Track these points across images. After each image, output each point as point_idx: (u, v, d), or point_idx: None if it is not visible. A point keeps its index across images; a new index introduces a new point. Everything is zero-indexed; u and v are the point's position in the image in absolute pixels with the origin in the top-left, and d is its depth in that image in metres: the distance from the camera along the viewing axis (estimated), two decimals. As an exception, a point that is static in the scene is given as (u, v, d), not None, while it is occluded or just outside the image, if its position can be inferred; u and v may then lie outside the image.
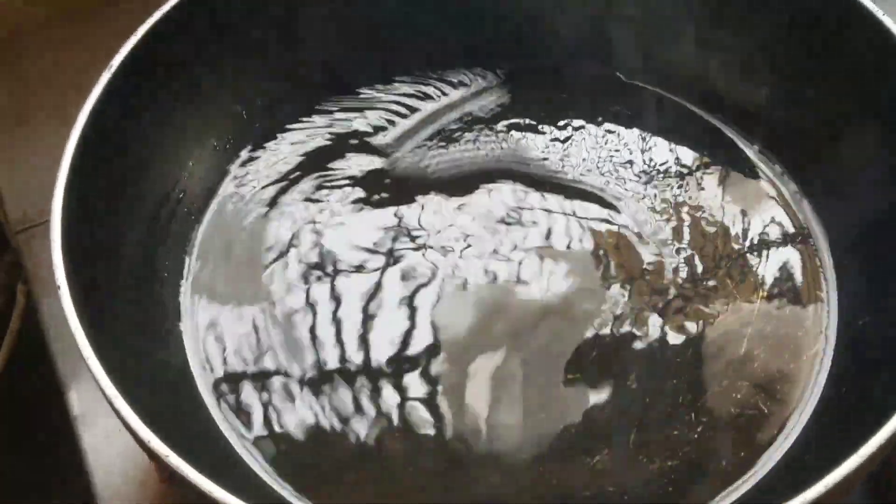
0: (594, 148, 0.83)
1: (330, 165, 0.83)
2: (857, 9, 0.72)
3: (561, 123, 0.84)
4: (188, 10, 0.76)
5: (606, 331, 0.74)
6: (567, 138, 0.83)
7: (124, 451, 0.74)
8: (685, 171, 0.82)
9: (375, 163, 0.83)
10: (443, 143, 0.84)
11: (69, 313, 0.61)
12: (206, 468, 0.56)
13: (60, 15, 0.98)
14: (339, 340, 0.74)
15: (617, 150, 0.83)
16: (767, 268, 0.76)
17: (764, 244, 0.78)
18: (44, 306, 0.82)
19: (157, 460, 0.56)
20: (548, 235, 0.78)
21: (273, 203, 0.81)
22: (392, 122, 0.85)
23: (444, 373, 0.72)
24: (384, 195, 0.81)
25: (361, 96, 0.86)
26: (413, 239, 0.78)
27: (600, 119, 0.85)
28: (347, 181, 0.82)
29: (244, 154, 0.83)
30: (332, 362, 0.73)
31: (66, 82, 0.93)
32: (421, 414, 0.70)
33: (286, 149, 0.84)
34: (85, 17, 0.98)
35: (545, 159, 0.82)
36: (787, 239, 0.78)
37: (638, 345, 0.73)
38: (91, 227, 0.69)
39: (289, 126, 0.85)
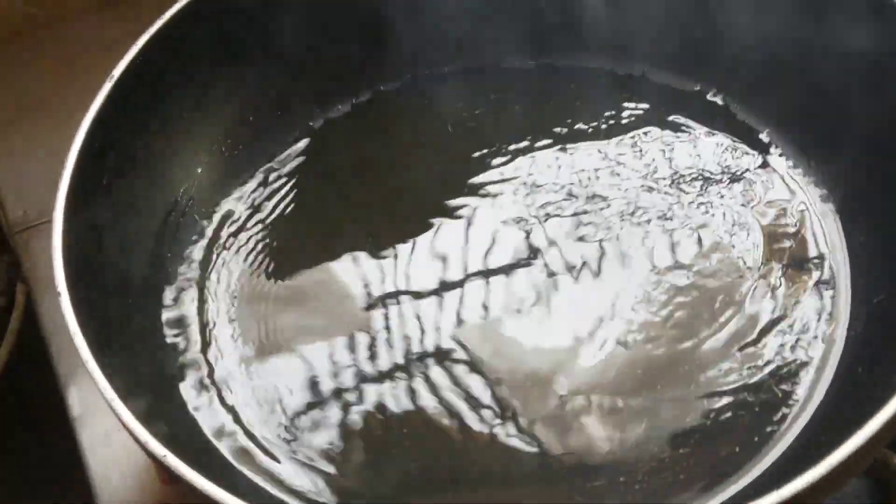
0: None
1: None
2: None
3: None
4: (192, 15, 0.75)
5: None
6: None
7: (123, 450, 0.74)
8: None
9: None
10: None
11: (68, 316, 0.61)
12: (206, 469, 0.55)
13: (59, 16, 0.98)
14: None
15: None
16: (780, 249, 0.75)
17: (776, 225, 0.76)
18: (43, 306, 0.81)
19: (157, 461, 0.55)
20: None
21: (286, 212, 0.81)
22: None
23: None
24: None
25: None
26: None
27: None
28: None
29: (255, 160, 0.82)
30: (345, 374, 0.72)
31: (66, 82, 0.93)
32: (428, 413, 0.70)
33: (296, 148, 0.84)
34: (84, 18, 0.98)
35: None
36: (800, 220, 0.76)
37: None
38: (95, 234, 0.68)
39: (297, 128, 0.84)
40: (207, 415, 0.70)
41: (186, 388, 0.71)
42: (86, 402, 0.76)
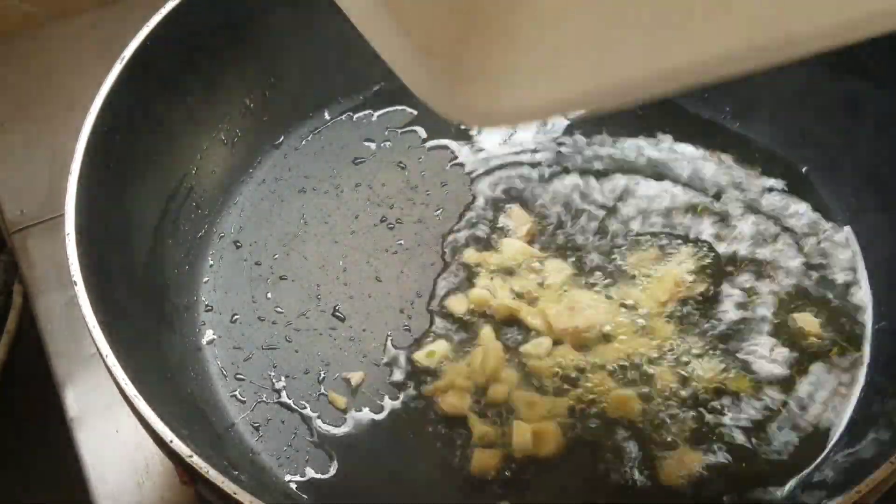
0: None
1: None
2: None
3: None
4: (196, 5, 0.75)
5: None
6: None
7: (120, 451, 0.74)
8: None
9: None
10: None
11: (86, 310, 0.60)
12: (223, 464, 0.55)
13: (57, 15, 0.98)
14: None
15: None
16: (788, 268, 0.75)
17: (788, 244, 0.77)
18: (40, 306, 0.81)
19: (179, 461, 0.55)
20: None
21: (285, 198, 0.81)
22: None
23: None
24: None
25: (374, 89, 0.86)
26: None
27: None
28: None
29: (253, 149, 0.82)
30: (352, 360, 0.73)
31: (64, 82, 0.93)
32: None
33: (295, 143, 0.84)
34: (82, 17, 0.98)
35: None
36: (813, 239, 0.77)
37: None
38: (102, 222, 0.68)
39: (297, 121, 0.84)
40: (214, 407, 0.70)
41: (191, 382, 0.71)
42: (83, 402, 0.76)
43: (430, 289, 0.76)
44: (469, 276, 0.76)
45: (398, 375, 0.72)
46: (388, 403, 0.70)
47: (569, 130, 0.83)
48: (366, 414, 0.70)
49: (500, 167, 0.82)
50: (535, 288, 0.74)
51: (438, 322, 0.74)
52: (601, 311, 0.73)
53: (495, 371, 0.70)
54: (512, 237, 0.77)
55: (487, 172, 0.82)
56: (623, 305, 0.73)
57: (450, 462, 0.68)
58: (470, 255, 0.77)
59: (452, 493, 0.67)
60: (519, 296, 0.74)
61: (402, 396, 0.71)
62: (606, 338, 0.72)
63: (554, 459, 0.67)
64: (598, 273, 0.75)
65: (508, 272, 0.76)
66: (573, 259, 0.76)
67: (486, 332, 0.72)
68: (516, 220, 0.78)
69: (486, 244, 0.78)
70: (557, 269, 0.75)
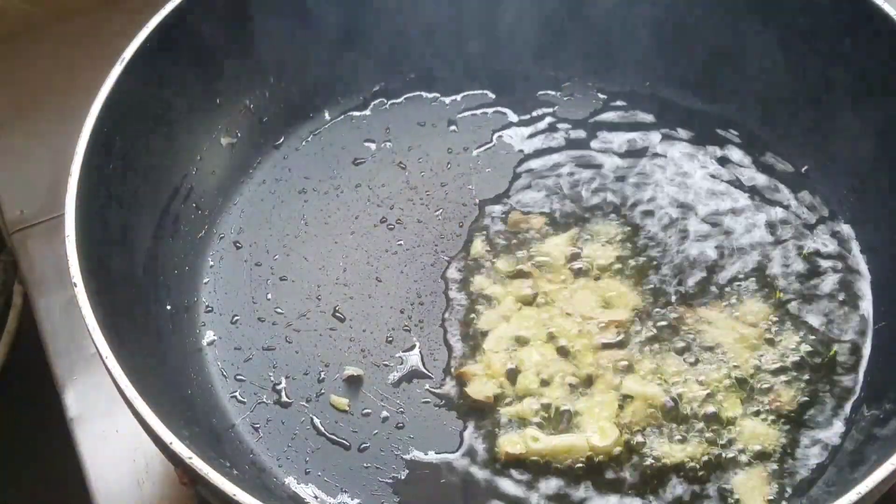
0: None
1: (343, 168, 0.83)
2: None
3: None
4: (196, 5, 0.75)
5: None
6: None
7: (119, 452, 0.74)
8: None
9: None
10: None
11: (86, 310, 0.60)
12: (222, 464, 0.55)
13: (57, 15, 0.98)
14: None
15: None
16: (788, 267, 0.75)
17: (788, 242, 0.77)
18: (40, 306, 0.80)
19: (179, 463, 0.55)
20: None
21: (285, 199, 0.81)
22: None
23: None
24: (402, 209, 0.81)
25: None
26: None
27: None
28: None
29: (253, 150, 0.82)
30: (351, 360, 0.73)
31: (64, 82, 0.92)
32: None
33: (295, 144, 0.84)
34: (82, 17, 0.98)
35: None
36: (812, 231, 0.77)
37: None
38: (102, 222, 0.68)
39: (297, 122, 0.84)
40: (214, 408, 0.70)
41: (192, 383, 0.71)
42: (83, 402, 0.75)
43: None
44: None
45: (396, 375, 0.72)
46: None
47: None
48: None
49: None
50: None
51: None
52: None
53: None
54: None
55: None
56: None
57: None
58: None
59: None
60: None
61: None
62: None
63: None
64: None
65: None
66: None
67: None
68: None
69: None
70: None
